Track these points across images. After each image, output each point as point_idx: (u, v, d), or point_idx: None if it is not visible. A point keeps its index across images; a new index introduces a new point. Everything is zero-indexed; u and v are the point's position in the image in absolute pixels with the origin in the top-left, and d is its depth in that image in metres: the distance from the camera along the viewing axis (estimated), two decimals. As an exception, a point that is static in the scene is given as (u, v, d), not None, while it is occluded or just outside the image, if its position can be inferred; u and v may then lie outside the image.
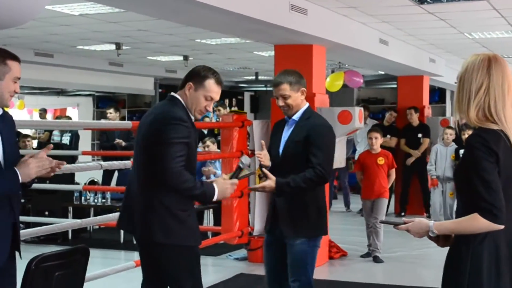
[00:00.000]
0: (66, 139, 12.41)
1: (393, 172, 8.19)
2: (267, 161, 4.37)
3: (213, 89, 3.80)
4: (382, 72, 14.49)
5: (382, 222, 3.98)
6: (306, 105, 4.44)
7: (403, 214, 11.66)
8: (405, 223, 2.94)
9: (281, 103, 4.38)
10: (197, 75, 3.80)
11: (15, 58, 3.31)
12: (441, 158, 9.95)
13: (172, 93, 3.87)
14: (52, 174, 3.37)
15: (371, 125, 11.58)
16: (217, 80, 3.82)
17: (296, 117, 4.40)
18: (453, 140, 10.00)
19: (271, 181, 4.18)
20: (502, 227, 2.72)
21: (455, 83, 2.96)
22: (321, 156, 4.25)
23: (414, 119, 11.67)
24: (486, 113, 2.79)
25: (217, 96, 3.84)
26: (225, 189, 3.75)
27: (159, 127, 3.64)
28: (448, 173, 9.85)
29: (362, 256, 8.18)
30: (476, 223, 2.71)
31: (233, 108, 16.99)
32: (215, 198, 3.75)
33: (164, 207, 3.67)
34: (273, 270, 4.53)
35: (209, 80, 3.78)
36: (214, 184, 3.74)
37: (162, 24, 8.57)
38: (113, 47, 10.79)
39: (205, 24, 7.08)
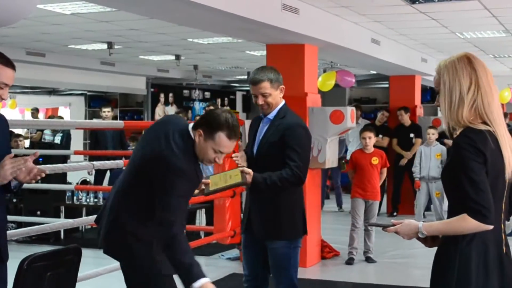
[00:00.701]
0: (58, 139, 12.36)
1: (385, 171, 8.17)
2: (243, 162, 4.28)
3: (224, 143, 3.37)
4: (374, 72, 14.48)
5: (370, 224, 3.93)
6: (282, 102, 4.28)
7: (395, 214, 11.68)
8: (393, 225, 2.93)
9: (260, 101, 4.21)
10: (210, 124, 3.37)
11: (7, 63, 3.12)
12: (425, 159, 9.96)
13: (191, 128, 3.43)
14: (33, 181, 3.20)
15: (364, 125, 11.59)
16: (229, 135, 3.36)
17: (271, 115, 4.25)
18: (437, 139, 10.05)
19: (248, 176, 4.04)
20: (491, 227, 2.72)
21: (436, 93, 2.91)
22: (298, 158, 4.13)
23: (405, 119, 11.68)
24: (481, 109, 2.78)
25: (228, 150, 3.43)
26: None
27: (165, 172, 3.28)
28: (433, 173, 9.87)
29: (346, 263, 7.97)
30: (465, 223, 2.71)
31: (225, 108, 16.97)
32: (196, 285, 3.21)
33: (129, 230, 3.41)
34: (252, 270, 4.43)
35: (220, 133, 3.34)
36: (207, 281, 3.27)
37: (154, 23, 8.54)
38: (105, 46, 10.76)
39: (197, 23, 7.06)
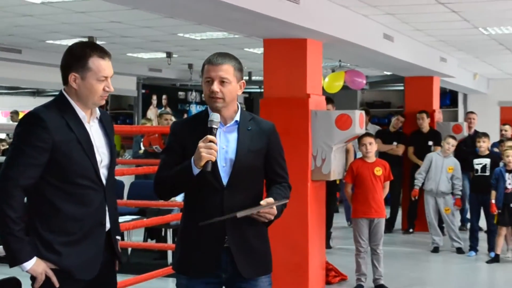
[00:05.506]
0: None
1: (387, 185, 7.73)
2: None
3: (102, 66, 3.39)
4: (388, 73, 14.30)
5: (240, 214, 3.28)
6: (237, 104, 3.68)
7: (411, 230, 11.47)
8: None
9: (216, 88, 3.49)
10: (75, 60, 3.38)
11: None
12: (436, 170, 9.72)
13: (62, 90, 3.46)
14: None
15: (374, 132, 11.30)
16: (100, 55, 3.38)
17: (237, 117, 3.62)
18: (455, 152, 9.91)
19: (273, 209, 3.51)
20: None
21: None
22: (286, 167, 3.73)
23: (425, 125, 11.49)
24: None
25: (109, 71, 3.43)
26: None
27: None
28: (442, 187, 9.66)
29: None
30: None
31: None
32: (27, 267, 3.20)
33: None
34: None
35: (92, 58, 3.35)
36: (34, 259, 3.22)
37: (137, 15, 8.27)
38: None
39: (183, 14, 6.72)
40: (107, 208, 3.44)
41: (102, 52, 3.38)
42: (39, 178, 3.25)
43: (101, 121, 3.52)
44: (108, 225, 3.46)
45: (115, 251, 3.54)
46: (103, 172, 3.43)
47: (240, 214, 3.30)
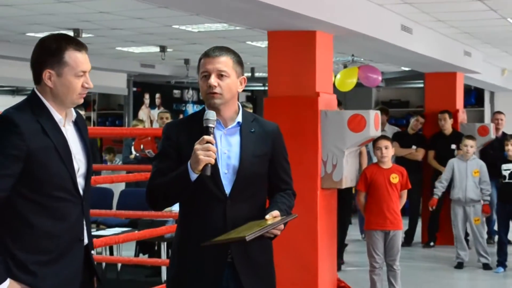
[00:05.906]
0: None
1: (405, 194, 7.73)
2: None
3: (79, 59, 3.33)
4: (406, 68, 14.34)
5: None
6: (238, 104, 3.69)
7: (432, 244, 11.45)
8: None
9: (213, 81, 3.48)
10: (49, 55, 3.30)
11: None
12: (460, 176, 9.68)
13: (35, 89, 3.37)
14: None
15: (392, 134, 11.29)
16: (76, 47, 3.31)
17: (239, 119, 3.61)
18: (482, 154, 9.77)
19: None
20: None
21: None
22: (290, 171, 3.74)
23: (447, 126, 11.48)
24: None
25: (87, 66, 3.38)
26: None
27: None
28: (471, 194, 9.58)
29: None
30: None
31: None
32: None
33: None
34: None
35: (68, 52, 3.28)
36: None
37: (128, 5, 8.33)
38: (71, 34, 10.42)
39: (178, 3, 6.82)
40: (84, 222, 3.40)
41: (78, 45, 3.32)
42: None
43: (76, 123, 3.45)
44: (86, 240, 3.42)
45: (94, 268, 3.51)
46: (80, 182, 3.36)
47: (249, 237, 3.24)
